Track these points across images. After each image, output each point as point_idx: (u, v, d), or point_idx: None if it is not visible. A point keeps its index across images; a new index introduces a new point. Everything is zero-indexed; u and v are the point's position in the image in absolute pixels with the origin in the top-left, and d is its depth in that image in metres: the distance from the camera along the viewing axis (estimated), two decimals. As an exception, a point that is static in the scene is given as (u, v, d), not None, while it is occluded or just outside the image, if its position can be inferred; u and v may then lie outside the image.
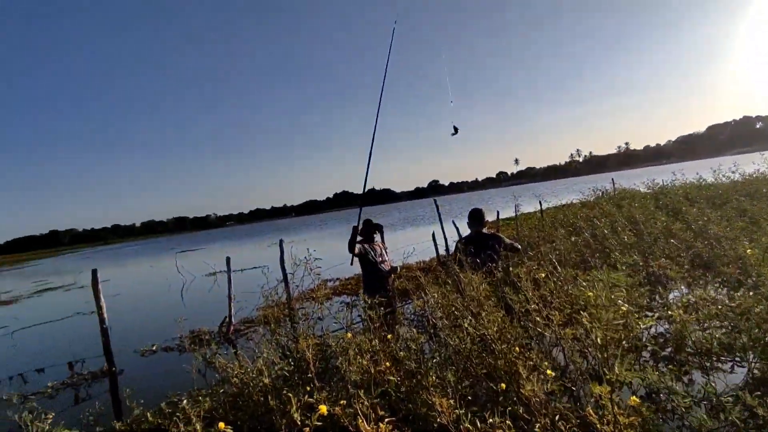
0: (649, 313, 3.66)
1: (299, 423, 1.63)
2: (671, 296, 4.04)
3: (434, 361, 2.60)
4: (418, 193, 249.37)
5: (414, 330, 2.85)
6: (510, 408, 1.87)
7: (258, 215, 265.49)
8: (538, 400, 1.82)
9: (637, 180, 17.26)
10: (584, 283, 2.98)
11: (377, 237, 5.57)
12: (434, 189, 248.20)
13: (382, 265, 5.29)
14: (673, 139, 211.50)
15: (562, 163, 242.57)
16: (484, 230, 5.13)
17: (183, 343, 7.43)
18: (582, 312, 2.78)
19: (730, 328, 2.84)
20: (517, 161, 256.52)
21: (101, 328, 6.60)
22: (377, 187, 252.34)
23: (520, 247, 5.09)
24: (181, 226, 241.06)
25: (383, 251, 5.46)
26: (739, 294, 3.18)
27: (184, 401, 2.59)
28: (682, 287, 4.38)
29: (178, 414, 2.44)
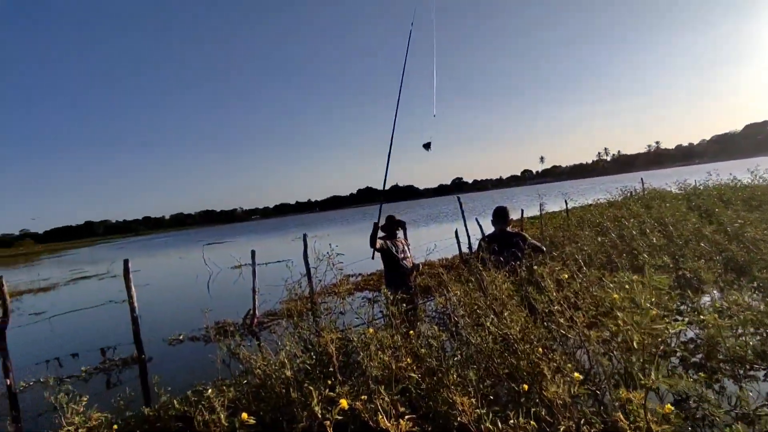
0: (679, 318, 3.55)
1: (320, 416, 1.65)
2: (702, 301, 3.91)
3: (455, 359, 2.59)
4: (441, 191, 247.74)
5: (435, 327, 2.84)
6: (532, 409, 1.84)
7: (283, 210, 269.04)
8: (561, 402, 1.79)
9: (668, 180, 16.70)
10: (611, 285, 2.92)
11: (400, 233, 5.57)
12: (458, 186, 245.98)
13: (404, 261, 5.29)
14: (708, 138, 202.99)
15: (589, 161, 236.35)
16: (508, 228, 5.06)
17: (208, 334, 7.62)
18: (609, 314, 2.72)
19: (765, 335, 2.73)
20: (542, 159, 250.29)
21: (132, 316, 6.84)
22: (400, 184, 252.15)
23: (544, 248, 5.01)
24: (208, 219, 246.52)
25: (405, 248, 5.46)
26: (776, 300, 3.04)
27: (209, 390, 2.66)
28: (714, 292, 4.23)
29: (203, 402, 2.51)
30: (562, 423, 1.75)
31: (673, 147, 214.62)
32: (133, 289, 6.93)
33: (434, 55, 5.52)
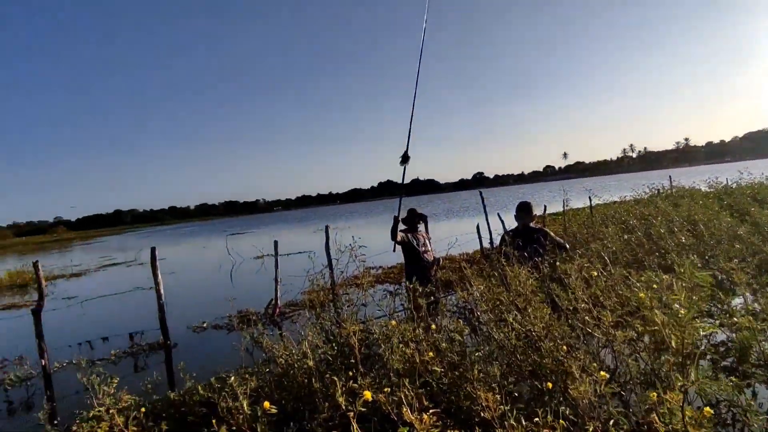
0: (709, 320, 3.44)
1: (344, 407, 1.66)
2: (734, 303, 3.78)
3: (477, 354, 2.58)
4: (462, 185, 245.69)
5: (460, 322, 2.82)
6: (556, 408, 1.82)
7: (304, 202, 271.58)
8: (586, 402, 1.76)
9: (698, 178, 16.15)
10: (638, 284, 2.84)
11: (421, 227, 5.55)
12: (479, 181, 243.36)
13: (425, 255, 5.28)
14: (740, 135, 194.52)
15: (614, 158, 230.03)
16: (531, 224, 4.99)
17: (231, 322, 7.78)
18: (635, 313, 2.66)
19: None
20: (565, 155, 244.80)
21: (158, 303, 7.04)
22: (421, 178, 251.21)
23: (567, 245, 4.92)
24: (231, 209, 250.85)
25: (426, 241, 5.44)
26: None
27: (232, 378, 2.71)
28: (747, 294, 4.08)
29: (226, 390, 2.56)
30: (589, 423, 1.72)
31: (703, 144, 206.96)
32: (159, 276, 7.13)
33: (422, 49, 5.38)
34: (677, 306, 2.36)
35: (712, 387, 1.58)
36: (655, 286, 2.82)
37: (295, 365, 2.79)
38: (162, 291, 7.09)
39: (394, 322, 2.71)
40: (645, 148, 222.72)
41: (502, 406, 1.76)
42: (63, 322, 9.43)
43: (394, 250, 5.30)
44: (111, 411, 2.26)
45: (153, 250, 7.19)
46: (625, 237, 6.22)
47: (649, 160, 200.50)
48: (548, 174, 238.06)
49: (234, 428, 2.10)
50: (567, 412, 1.88)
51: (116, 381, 2.53)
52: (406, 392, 1.67)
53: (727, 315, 3.27)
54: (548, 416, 1.71)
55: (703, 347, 2.97)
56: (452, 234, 9.96)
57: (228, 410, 2.16)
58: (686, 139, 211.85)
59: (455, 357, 2.46)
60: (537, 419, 1.72)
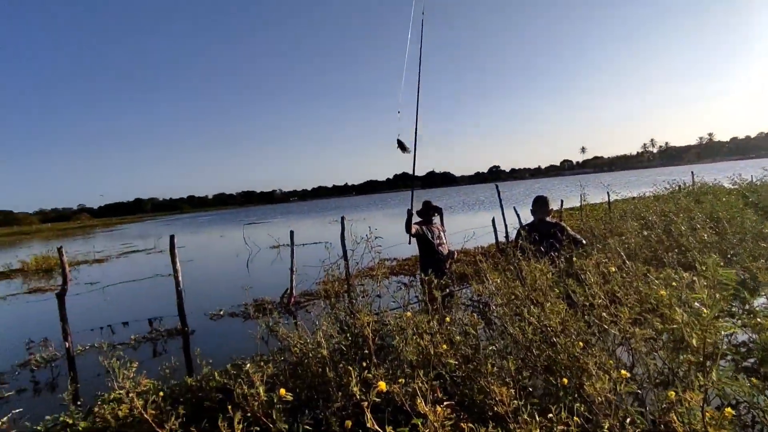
0: (731, 320, 3.36)
1: (358, 397, 1.68)
2: (756, 303, 3.68)
3: (491, 348, 2.57)
4: (477, 178, 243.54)
5: (475, 315, 2.81)
6: (570, 405, 1.80)
7: (320, 192, 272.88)
8: (602, 399, 1.74)
9: (721, 174, 15.69)
10: (656, 282, 2.78)
11: (436, 219, 5.53)
12: (494, 174, 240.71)
13: (440, 247, 5.26)
14: (766, 131, 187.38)
15: (633, 153, 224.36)
16: (548, 218, 4.93)
17: (247, 310, 7.89)
18: (654, 311, 2.61)
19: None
20: (583, 149, 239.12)
21: (177, 290, 7.18)
22: (437, 170, 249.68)
23: (584, 241, 4.84)
24: (248, 199, 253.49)
25: (441, 233, 5.42)
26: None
27: (248, 365, 2.76)
28: (771, 294, 3.97)
29: (242, 377, 2.61)
30: (605, 421, 1.70)
31: (728, 139, 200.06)
32: (178, 264, 7.26)
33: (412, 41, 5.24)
34: (697, 304, 2.31)
35: (732, 387, 1.54)
36: (674, 283, 2.76)
37: (310, 354, 2.82)
38: (180, 278, 7.23)
39: (408, 314, 2.72)
40: (666, 143, 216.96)
41: (515, 401, 1.75)
42: (85, 307, 9.70)
43: (409, 243, 5.29)
44: (131, 394, 2.32)
45: (172, 238, 7.32)
46: (644, 233, 6.09)
47: (671, 156, 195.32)
48: (565, 168, 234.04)
49: (249, 414, 2.13)
50: (582, 409, 1.86)
51: (136, 365, 2.60)
52: (420, 384, 1.67)
53: (750, 315, 3.18)
54: (563, 412, 1.69)
55: (724, 347, 2.91)
56: (468, 227, 9.91)
57: (243, 396, 2.20)
58: (710, 135, 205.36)
59: (469, 350, 2.45)
60: (551, 415, 1.71)
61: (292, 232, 9.04)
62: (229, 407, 2.00)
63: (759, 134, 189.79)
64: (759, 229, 5.59)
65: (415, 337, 2.41)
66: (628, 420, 1.73)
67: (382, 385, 1.62)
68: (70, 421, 3.11)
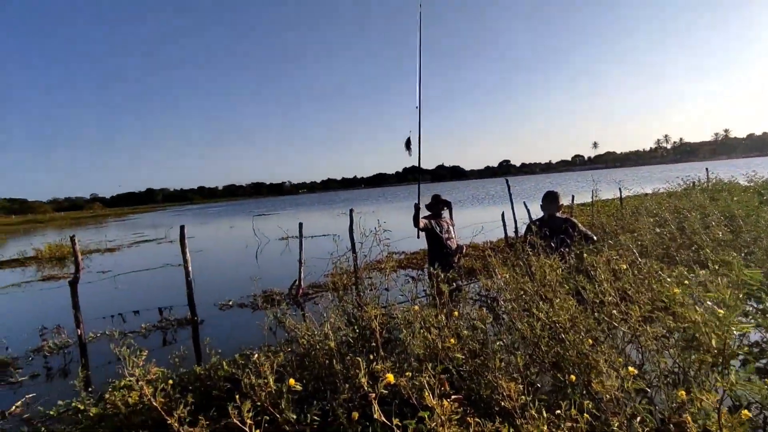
0: (744, 319, 3.30)
1: (365, 389, 1.68)
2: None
3: (499, 343, 2.55)
4: (487, 172, 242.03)
5: (484, 310, 2.80)
6: (579, 401, 1.78)
7: (329, 185, 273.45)
8: (610, 397, 1.72)
9: (737, 171, 15.40)
10: (668, 279, 2.74)
11: (445, 213, 5.50)
12: (504, 169, 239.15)
13: (449, 241, 5.23)
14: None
15: (647, 149, 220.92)
16: (558, 214, 4.88)
17: (256, 301, 7.96)
18: (666, 309, 2.57)
19: None
20: (595, 144, 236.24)
21: (186, 280, 7.25)
22: (446, 164, 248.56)
23: (595, 237, 4.79)
24: (257, 191, 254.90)
25: (450, 227, 5.39)
26: None
27: (256, 355, 2.78)
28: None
29: (249, 366, 2.63)
30: (613, 419, 1.68)
31: (744, 136, 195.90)
32: (188, 254, 7.32)
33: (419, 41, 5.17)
34: (710, 303, 2.27)
35: (746, 388, 1.51)
36: (686, 282, 2.72)
37: (317, 346, 2.83)
38: (190, 268, 7.29)
39: (416, 307, 2.71)
40: (681, 139, 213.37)
41: (523, 396, 1.74)
42: (97, 295, 9.85)
43: (418, 237, 5.27)
44: (141, 382, 2.35)
45: (182, 228, 7.37)
46: (657, 230, 6.00)
47: (685, 152, 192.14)
48: (577, 164, 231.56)
49: (257, 404, 2.15)
50: (590, 406, 1.85)
51: (146, 353, 2.63)
52: (428, 377, 1.67)
53: (765, 315, 3.12)
54: (571, 409, 1.68)
55: (737, 346, 2.86)
56: (477, 221, 9.85)
57: (251, 386, 2.22)
58: (726, 131, 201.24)
59: (477, 345, 2.44)
60: (559, 411, 1.69)
61: (300, 224, 9.06)
62: (237, 396, 2.01)
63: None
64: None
65: (422, 331, 2.41)
66: (637, 418, 1.71)
67: (390, 377, 1.62)
68: (82, 407, 3.17)
